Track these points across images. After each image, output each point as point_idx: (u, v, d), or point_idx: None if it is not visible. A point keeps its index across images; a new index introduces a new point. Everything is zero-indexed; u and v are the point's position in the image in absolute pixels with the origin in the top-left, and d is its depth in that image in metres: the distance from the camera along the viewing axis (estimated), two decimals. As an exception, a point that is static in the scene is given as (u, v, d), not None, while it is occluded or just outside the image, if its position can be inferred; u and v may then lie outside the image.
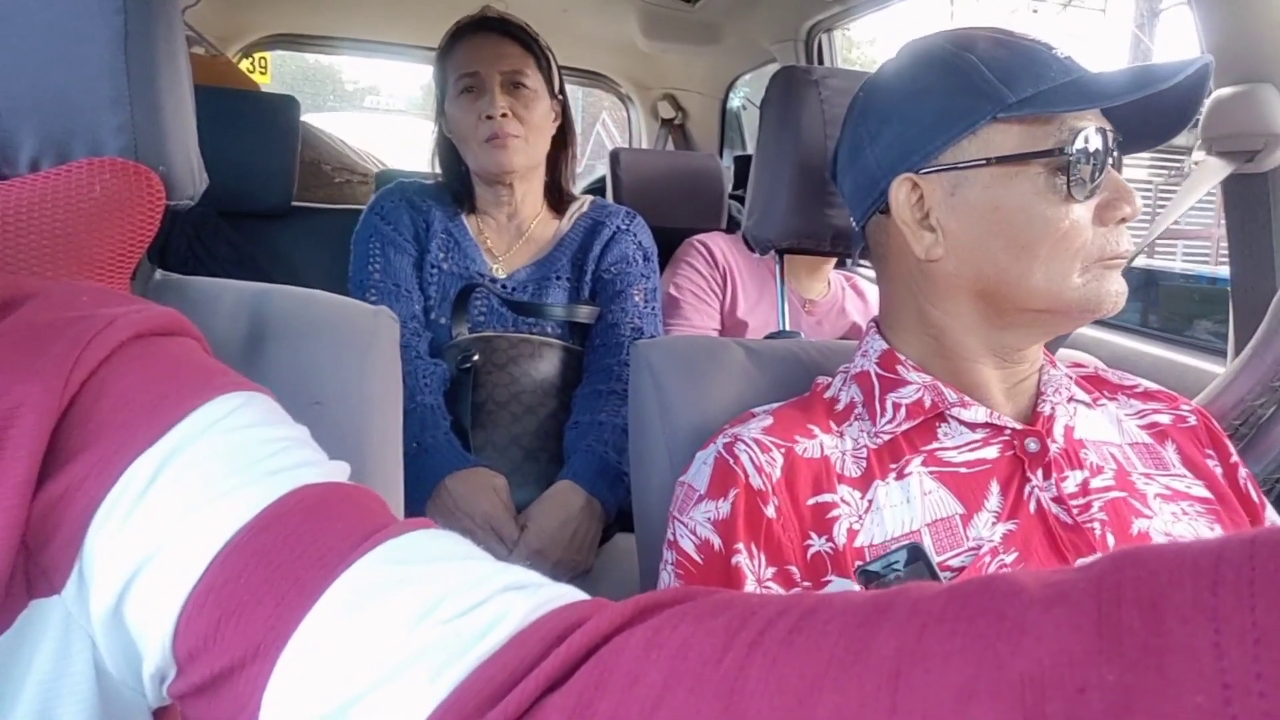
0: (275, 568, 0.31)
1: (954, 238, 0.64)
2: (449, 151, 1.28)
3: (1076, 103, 0.61)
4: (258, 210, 1.59)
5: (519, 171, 1.22)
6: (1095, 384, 0.74)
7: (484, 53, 1.20)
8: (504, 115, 1.17)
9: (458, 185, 1.28)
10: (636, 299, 1.25)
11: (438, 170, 1.32)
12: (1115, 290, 0.62)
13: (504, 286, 1.24)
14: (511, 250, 1.28)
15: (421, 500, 1.06)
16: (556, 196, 1.31)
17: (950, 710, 0.20)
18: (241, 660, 0.30)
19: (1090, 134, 0.60)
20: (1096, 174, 0.61)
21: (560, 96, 1.28)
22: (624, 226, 1.30)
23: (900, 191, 0.65)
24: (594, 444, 1.14)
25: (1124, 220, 0.62)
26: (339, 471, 0.37)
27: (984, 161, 0.62)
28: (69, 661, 0.33)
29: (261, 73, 2.68)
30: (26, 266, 0.45)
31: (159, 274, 0.62)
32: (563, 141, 1.31)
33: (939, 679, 0.21)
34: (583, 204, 1.33)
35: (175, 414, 0.35)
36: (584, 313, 1.22)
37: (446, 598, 0.30)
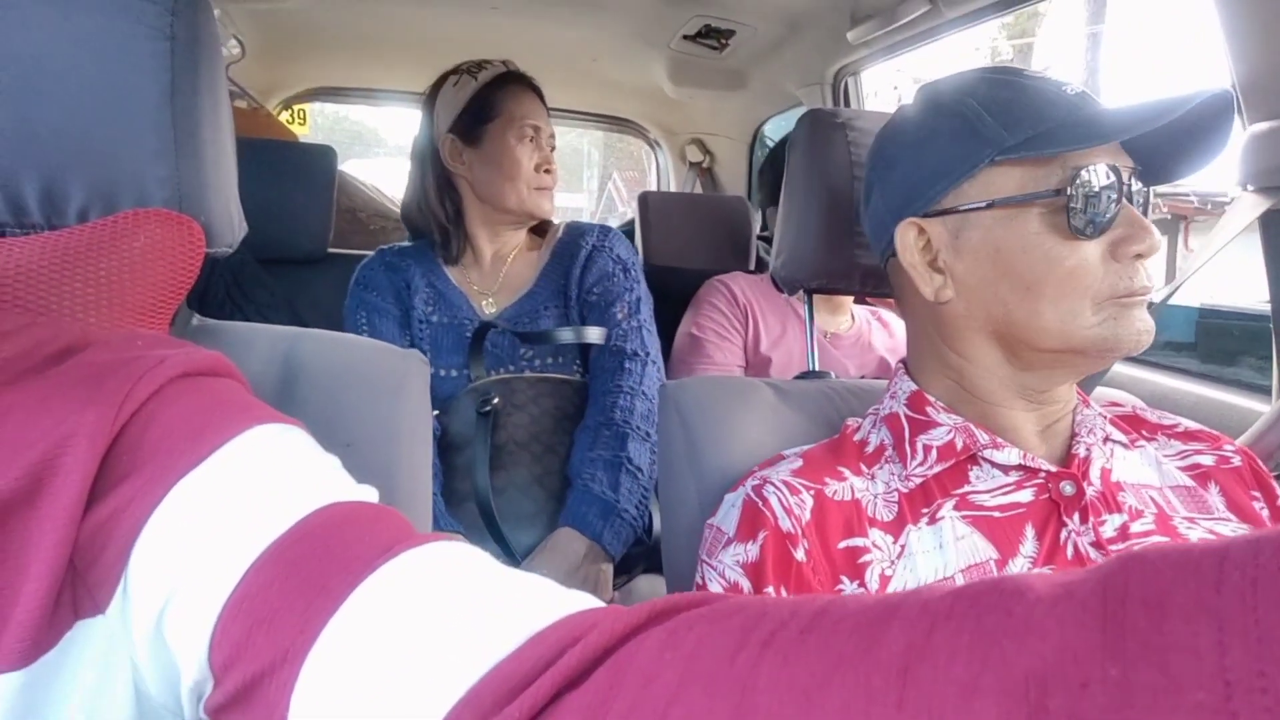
0: (304, 576, 0.33)
1: (961, 280, 0.64)
2: (449, 191, 1.28)
3: (1074, 142, 0.60)
4: (295, 257, 1.63)
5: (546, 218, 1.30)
6: (1133, 424, 0.73)
7: (537, 110, 1.28)
8: (550, 171, 1.27)
9: (453, 230, 1.28)
10: (619, 316, 1.26)
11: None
12: (1136, 329, 0.60)
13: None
14: (495, 288, 1.30)
15: None
16: (536, 229, 1.36)
17: (955, 705, 0.20)
18: (271, 666, 0.31)
19: (1094, 172, 0.59)
20: (1104, 211, 0.60)
21: None
22: (600, 244, 1.30)
23: (906, 236, 0.66)
24: (588, 482, 1.14)
25: (1140, 256, 0.60)
26: (368, 494, 0.39)
27: (984, 204, 0.62)
28: (111, 682, 0.35)
29: (301, 124, 2.76)
30: (71, 311, 0.47)
31: (196, 319, 0.63)
32: None
33: (945, 675, 0.21)
34: (558, 230, 1.36)
35: (216, 441, 0.37)
36: (594, 334, 1.22)
37: (465, 601, 0.31)
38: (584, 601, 0.32)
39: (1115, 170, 0.60)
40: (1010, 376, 0.65)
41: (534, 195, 1.26)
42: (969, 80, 0.67)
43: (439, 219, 1.29)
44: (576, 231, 1.33)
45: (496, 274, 1.30)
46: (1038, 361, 0.63)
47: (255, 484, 0.36)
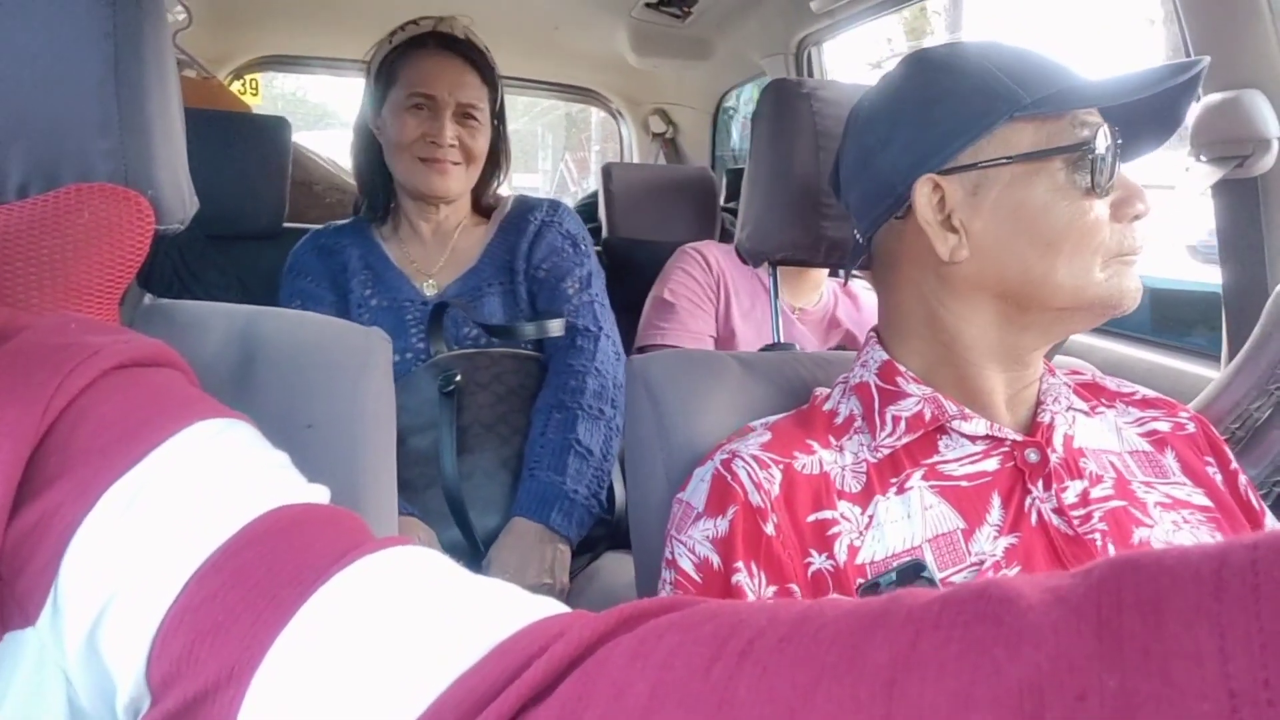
0: (251, 587, 0.30)
1: (977, 238, 0.63)
2: (373, 156, 1.25)
3: (1091, 100, 0.61)
4: (249, 232, 1.59)
5: (450, 197, 1.22)
6: (1093, 391, 0.74)
7: (445, 77, 1.19)
8: (451, 144, 1.17)
9: (378, 196, 1.26)
10: (569, 291, 1.22)
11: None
12: (1134, 286, 0.63)
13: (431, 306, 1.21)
14: (439, 265, 1.25)
15: None
16: (479, 206, 1.30)
17: (947, 719, 0.20)
18: (216, 683, 0.29)
19: (1104, 132, 0.61)
20: (1111, 171, 0.61)
21: (496, 121, 1.27)
22: (548, 219, 1.26)
23: (923, 191, 0.65)
24: (536, 469, 1.12)
25: (1137, 217, 0.62)
26: (319, 495, 0.37)
27: (1005, 160, 0.62)
28: (41, 697, 0.32)
29: (253, 94, 2.68)
30: (13, 294, 0.45)
31: (148, 299, 0.61)
32: (494, 163, 1.29)
33: (935, 687, 0.20)
34: (505, 205, 1.31)
35: (154, 439, 0.34)
36: (555, 327, 1.18)
37: (424, 611, 0.30)
38: (550, 607, 0.31)
39: (1114, 133, 0.62)
40: (1000, 339, 0.65)
41: (418, 168, 1.18)
42: (975, 46, 0.67)
43: (369, 187, 1.26)
44: (525, 206, 1.29)
45: (441, 252, 1.25)
46: (1040, 320, 0.64)
47: (196, 486, 0.33)
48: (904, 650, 0.21)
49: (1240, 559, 0.18)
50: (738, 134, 2.66)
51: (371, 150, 1.25)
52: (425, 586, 0.31)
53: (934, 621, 0.22)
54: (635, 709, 0.24)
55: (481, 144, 1.22)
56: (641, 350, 1.39)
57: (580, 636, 0.27)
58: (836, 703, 0.21)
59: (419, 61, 1.19)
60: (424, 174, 1.18)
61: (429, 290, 1.22)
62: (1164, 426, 0.71)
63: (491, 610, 0.30)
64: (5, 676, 0.32)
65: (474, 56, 1.22)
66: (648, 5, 1.96)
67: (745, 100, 2.54)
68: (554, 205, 1.30)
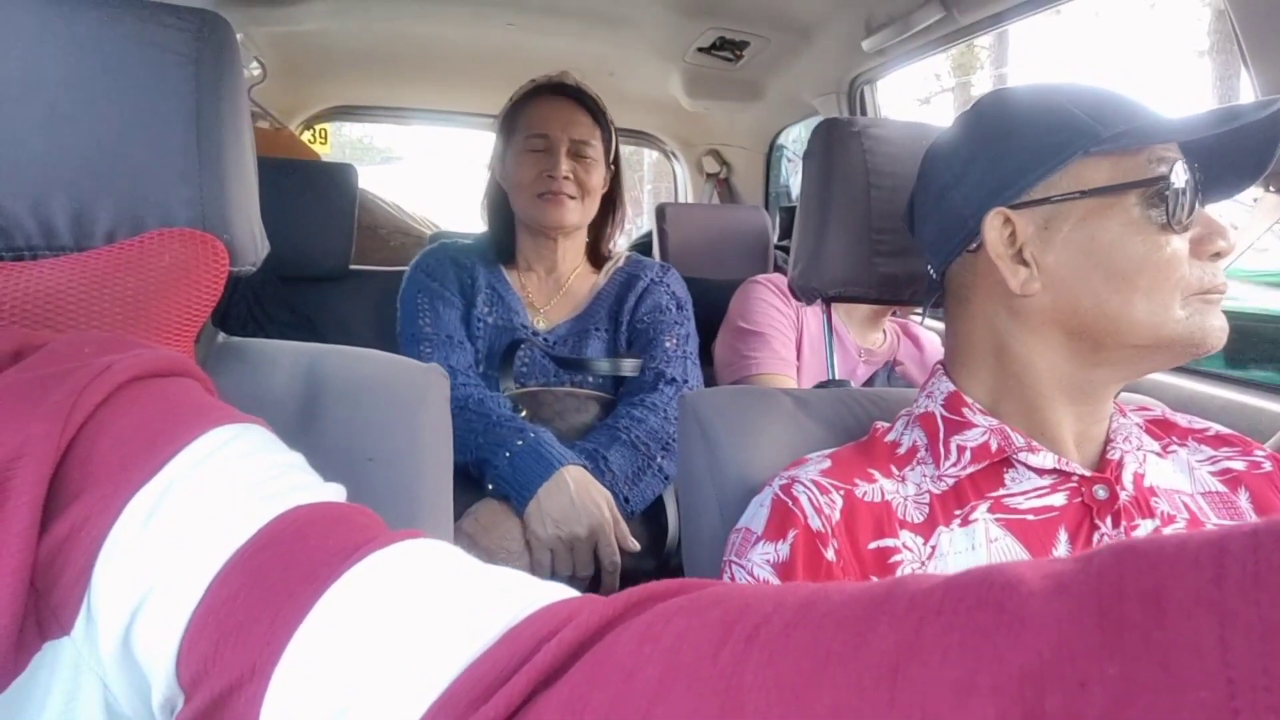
0: (270, 585, 0.31)
1: (1049, 272, 0.62)
2: (499, 200, 1.33)
3: (1167, 135, 0.60)
4: (317, 274, 1.65)
5: (567, 228, 1.28)
6: (1165, 429, 0.72)
7: (558, 118, 1.27)
8: (565, 177, 1.24)
9: (503, 235, 1.33)
10: (668, 345, 1.27)
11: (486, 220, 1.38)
12: (1218, 325, 0.60)
13: (545, 339, 1.27)
14: (551, 303, 1.32)
15: (534, 487, 1.06)
16: (595, 255, 1.36)
17: (949, 705, 0.20)
18: (240, 679, 0.30)
19: (1181, 166, 0.60)
20: (1190, 207, 0.60)
21: (613, 166, 1.34)
22: (658, 279, 1.34)
23: (993, 225, 0.64)
24: (610, 424, 1.16)
25: (1218, 255, 0.61)
26: (334, 494, 0.38)
27: (1077, 195, 0.61)
28: (79, 702, 0.34)
29: (322, 143, 2.81)
30: (101, 331, 0.48)
31: (221, 337, 0.64)
32: (610, 206, 1.36)
33: (937, 673, 0.20)
34: (619, 259, 1.38)
35: (172, 447, 0.35)
36: (628, 365, 1.23)
37: (435, 601, 0.30)
38: (560, 592, 0.32)
39: (1193, 169, 0.60)
40: (1071, 375, 0.64)
41: (536, 203, 1.26)
42: (1048, 84, 0.66)
43: (496, 230, 1.34)
44: (638, 265, 1.37)
45: (555, 291, 1.33)
46: (1117, 357, 0.62)
47: (214, 492, 0.35)
48: (908, 636, 0.21)
49: (1240, 546, 0.18)
50: (786, 172, 2.67)
51: (498, 198, 1.34)
52: (436, 577, 0.32)
53: (936, 607, 0.22)
54: (644, 692, 0.24)
55: (596, 179, 1.29)
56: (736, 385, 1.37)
57: (589, 621, 0.28)
58: (841, 688, 0.21)
59: (535, 108, 1.29)
60: (542, 208, 1.26)
61: (540, 325, 1.29)
62: (1239, 465, 0.69)
63: (502, 597, 0.31)
64: (45, 684, 0.33)
65: (584, 100, 1.30)
66: (700, 50, 2.00)
67: (794, 140, 2.55)
68: (664, 268, 1.37)
